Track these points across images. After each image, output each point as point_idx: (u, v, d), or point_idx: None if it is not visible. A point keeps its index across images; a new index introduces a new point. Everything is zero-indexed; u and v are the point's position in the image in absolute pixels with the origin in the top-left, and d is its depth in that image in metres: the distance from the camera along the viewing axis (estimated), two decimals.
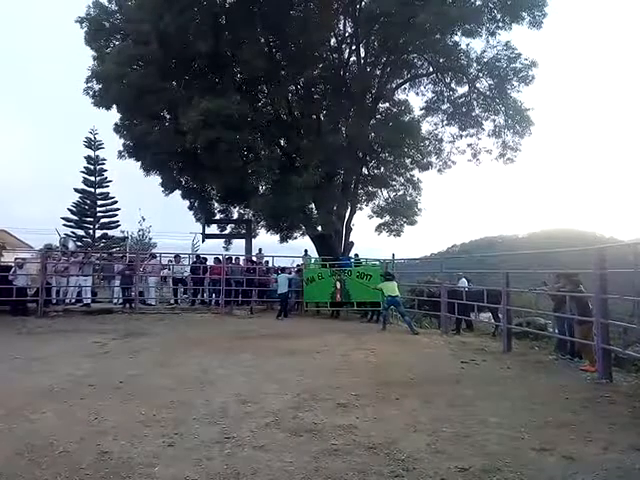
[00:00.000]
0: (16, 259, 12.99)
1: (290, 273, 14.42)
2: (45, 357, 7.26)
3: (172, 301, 14.70)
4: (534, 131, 18.26)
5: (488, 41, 17.65)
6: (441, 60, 18.33)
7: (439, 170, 20.33)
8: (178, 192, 19.96)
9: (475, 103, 18.97)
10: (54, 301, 12.95)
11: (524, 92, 17.88)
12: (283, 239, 20.19)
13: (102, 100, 17.27)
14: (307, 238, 19.72)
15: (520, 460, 3.56)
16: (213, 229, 20.89)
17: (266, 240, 21.40)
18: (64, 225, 31.16)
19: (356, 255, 17.15)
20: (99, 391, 5.34)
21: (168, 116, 17.97)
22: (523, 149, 18.93)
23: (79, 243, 29.57)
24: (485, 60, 17.84)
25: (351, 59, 19.02)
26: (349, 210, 19.10)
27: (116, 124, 18.57)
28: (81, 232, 32.67)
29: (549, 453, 3.71)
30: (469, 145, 19.83)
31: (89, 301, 13.44)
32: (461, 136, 19.78)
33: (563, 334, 7.83)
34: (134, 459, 3.50)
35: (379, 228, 19.93)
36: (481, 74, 18.17)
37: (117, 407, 4.76)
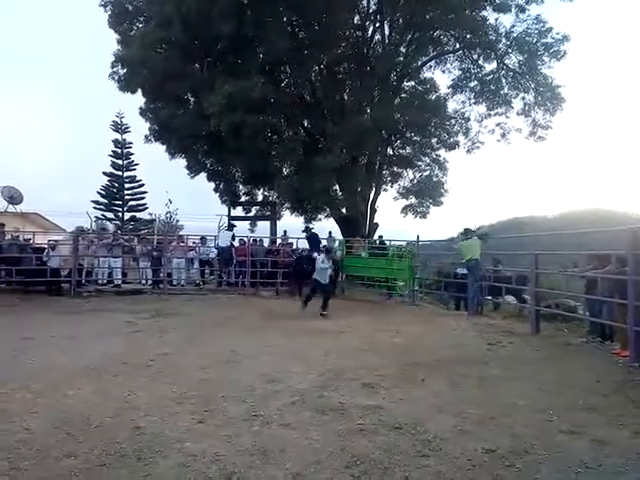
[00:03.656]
0: (49, 241, 13.39)
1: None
2: (79, 336, 7.50)
3: (199, 282, 14.93)
4: (565, 108, 17.76)
5: (518, 15, 17.09)
6: (468, 36, 17.81)
7: (468, 151, 19.94)
8: (203, 175, 20.13)
9: (504, 80, 18.44)
10: (83, 281, 13.30)
11: (555, 68, 17.33)
12: (307, 221, 20.22)
13: (127, 84, 17.39)
14: (332, 220, 19.73)
15: (548, 443, 3.53)
16: (238, 211, 21.06)
17: (290, 222, 21.44)
18: (94, 208, 31.86)
19: (380, 237, 17.05)
20: (131, 369, 5.50)
21: (192, 99, 18.03)
22: (554, 126, 18.43)
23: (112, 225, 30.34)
24: (514, 35, 17.30)
25: (375, 37, 18.66)
26: (374, 191, 18.98)
27: (141, 108, 18.76)
28: (110, 215, 33.39)
29: (578, 436, 3.66)
30: (498, 124, 19.40)
31: (119, 282, 13.81)
32: (489, 115, 19.32)
33: (596, 317, 7.67)
34: (166, 434, 3.62)
35: (405, 210, 19.76)
36: (510, 50, 17.63)
37: (149, 384, 4.90)
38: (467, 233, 10.10)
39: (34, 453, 3.27)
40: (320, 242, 14.02)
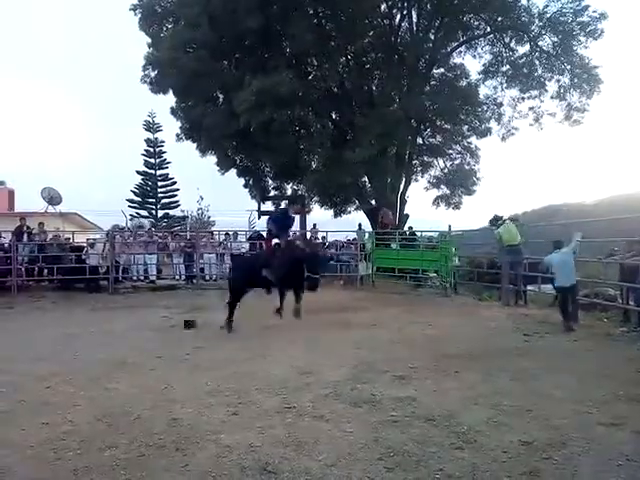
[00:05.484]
0: (88, 239, 13.87)
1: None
2: (118, 331, 7.74)
3: None
4: (603, 89, 17.04)
5: None
6: (499, 19, 17.26)
7: (503, 138, 19.28)
8: (233, 171, 20.31)
9: (537, 63, 17.76)
10: (120, 278, 13.69)
11: (592, 48, 16.60)
12: (337, 214, 20.16)
13: (158, 86, 17.73)
14: (361, 212, 19.62)
15: (587, 435, 3.43)
16: (268, 206, 21.17)
17: (320, 215, 21.43)
18: (128, 206, 32.78)
19: (410, 228, 16.87)
20: (167, 362, 5.65)
21: (222, 97, 18.18)
22: (591, 109, 17.71)
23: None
24: (548, 15, 16.62)
25: (403, 24, 18.29)
26: (403, 182, 18.72)
27: (172, 107, 19.06)
28: (144, 212, 34.26)
29: (619, 428, 3.55)
30: (531, 108, 18.68)
31: (154, 278, 14.16)
32: (522, 99, 18.61)
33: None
34: (202, 426, 3.70)
35: (436, 201, 19.45)
36: (544, 31, 16.96)
37: (184, 377, 5.02)
38: (497, 219, 9.72)
39: (78, 444, 3.40)
40: (290, 226, 9.54)
